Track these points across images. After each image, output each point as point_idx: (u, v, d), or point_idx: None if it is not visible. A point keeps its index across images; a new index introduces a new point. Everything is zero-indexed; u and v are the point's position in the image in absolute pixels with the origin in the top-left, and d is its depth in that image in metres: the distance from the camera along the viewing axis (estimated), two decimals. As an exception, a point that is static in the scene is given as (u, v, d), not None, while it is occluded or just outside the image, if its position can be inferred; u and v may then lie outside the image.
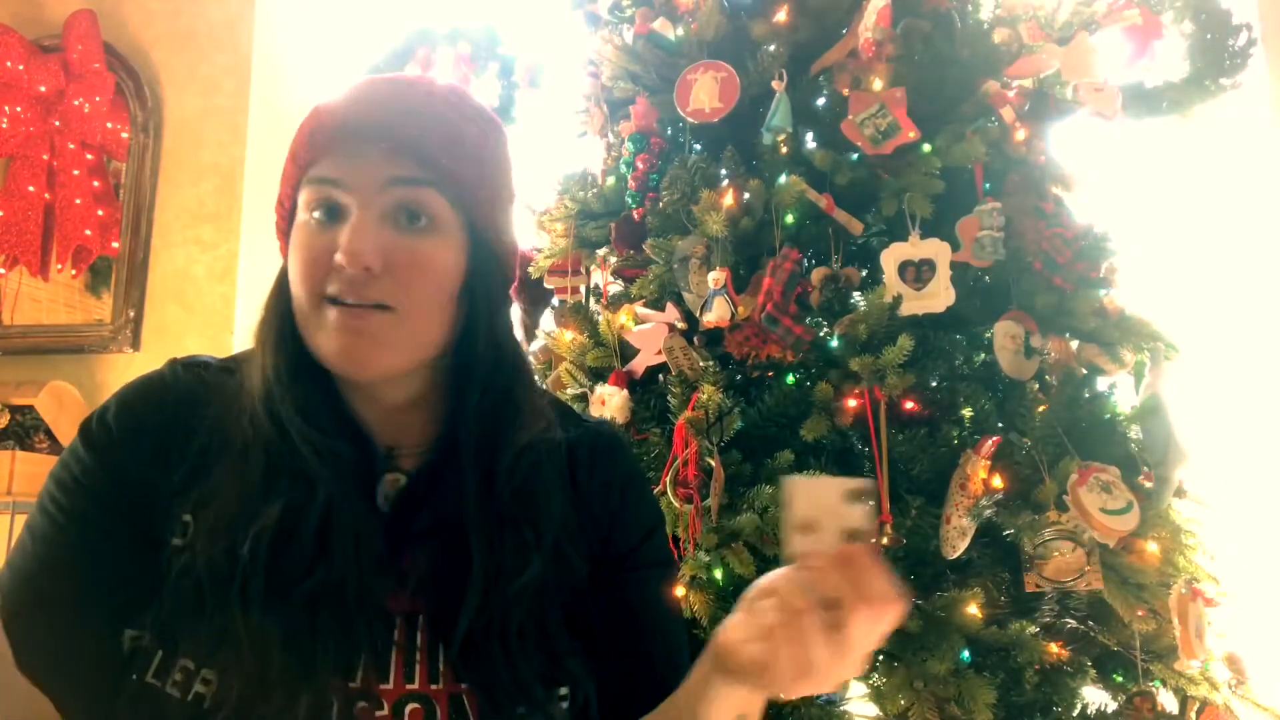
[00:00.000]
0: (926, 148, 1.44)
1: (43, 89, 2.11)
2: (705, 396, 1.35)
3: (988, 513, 1.28)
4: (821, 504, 0.57)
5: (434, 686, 0.65)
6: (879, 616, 0.55)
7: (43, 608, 0.64)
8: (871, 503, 0.58)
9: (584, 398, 1.56)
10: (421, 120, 0.66)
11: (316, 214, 0.65)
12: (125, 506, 0.66)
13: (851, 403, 1.34)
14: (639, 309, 1.53)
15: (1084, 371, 1.46)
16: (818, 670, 0.55)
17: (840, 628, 0.55)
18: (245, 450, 0.67)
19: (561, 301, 1.84)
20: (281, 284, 0.70)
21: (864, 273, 1.53)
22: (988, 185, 1.50)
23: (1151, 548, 1.28)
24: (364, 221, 0.63)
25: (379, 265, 0.63)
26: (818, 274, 1.46)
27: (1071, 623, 1.38)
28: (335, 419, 0.69)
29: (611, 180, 1.75)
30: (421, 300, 0.66)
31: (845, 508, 0.57)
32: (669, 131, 1.67)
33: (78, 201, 2.10)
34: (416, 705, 0.65)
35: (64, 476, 0.67)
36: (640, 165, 1.62)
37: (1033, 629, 1.33)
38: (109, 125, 2.14)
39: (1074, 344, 1.44)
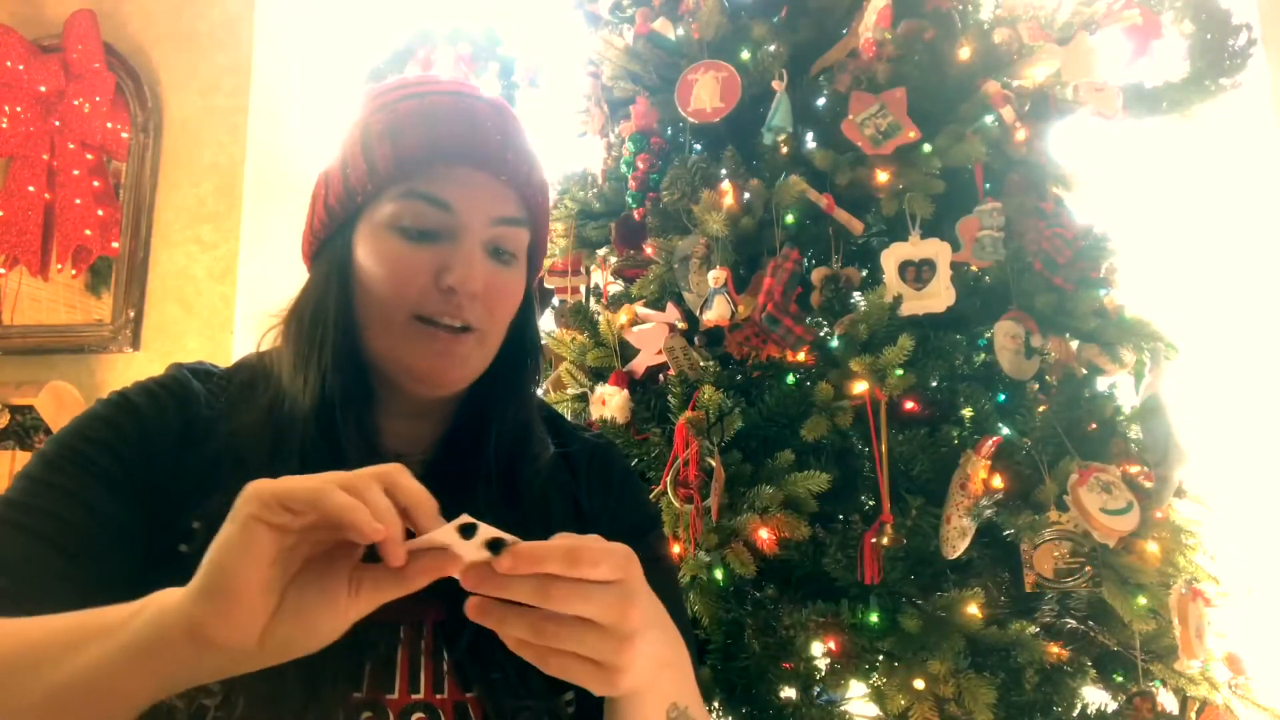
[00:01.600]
0: (927, 148, 1.44)
1: (43, 89, 2.11)
2: (705, 396, 1.35)
3: (988, 513, 1.28)
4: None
5: (439, 695, 0.65)
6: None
7: (20, 538, 0.59)
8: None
9: (584, 398, 1.56)
10: (528, 156, 0.71)
11: (411, 227, 0.66)
12: (140, 478, 0.64)
13: (850, 402, 1.34)
14: (639, 309, 1.53)
15: (1084, 371, 1.46)
16: (610, 660, 0.50)
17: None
18: (273, 459, 0.65)
19: (561, 301, 1.84)
20: (338, 286, 0.69)
21: (864, 273, 1.53)
22: (988, 185, 1.50)
23: (1151, 548, 1.28)
24: (473, 251, 0.67)
25: (483, 292, 0.67)
26: (818, 274, 1.46)
27: (1071, 623, 1.38)
28: (374, 432, 0.71)
29: (611, 180, 1.75)
30: (501, 324, 0.71)
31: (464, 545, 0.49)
32: (669, 131, 1.67)
33: (78, 201, 2.10)
34: (422, 715, 0.64)
35: (85, 428, 0.65)
36: (640, 165, 1.62)
37: (1033, 629, 1.33)
38: (109, 125, 2.13)
39: (1074, 344, 1.45)
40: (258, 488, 0.45)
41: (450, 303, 0.66)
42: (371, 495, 0.46)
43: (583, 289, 1.82)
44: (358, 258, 0.69)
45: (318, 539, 0.47)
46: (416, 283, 0.66)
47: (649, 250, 1.58)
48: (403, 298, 0.66)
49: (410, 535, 0.49)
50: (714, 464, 1.31)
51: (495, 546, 0.48)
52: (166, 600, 0.47)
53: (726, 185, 1.53)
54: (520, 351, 0.76)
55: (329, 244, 0.72)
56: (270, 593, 0.45)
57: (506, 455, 0.73)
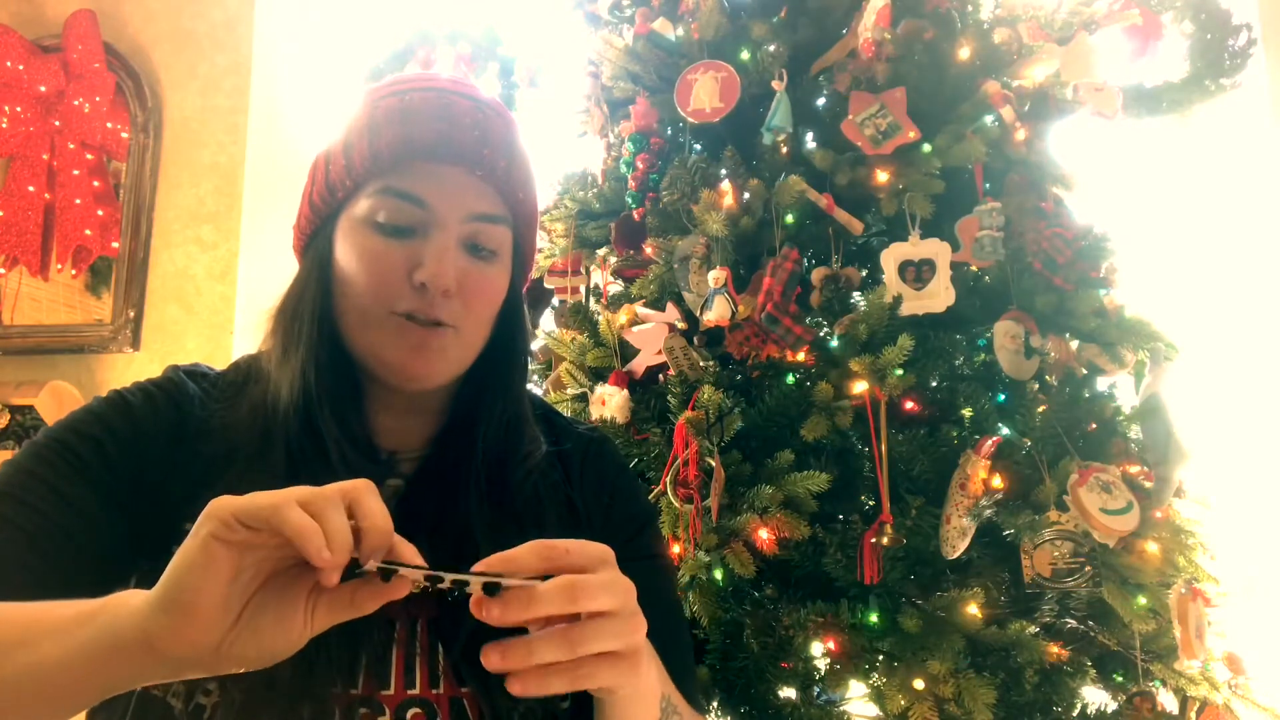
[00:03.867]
0: (926, 148, 1.44)
1: (43, 89, 2.11)
2: (705, 396, 1.35)
3: (988, 513, 1.28)
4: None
5: (435, 691, 0.65)
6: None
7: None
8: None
9: (584, 398, 1.55)
10: (507, 152, 0.70)
11: (385, 223, 0.66)
12: (127, 478, 0.64)
13: (851, 402, 1.34)
14: (639, 309, 1.53)
15: (1084, 371, 1.46)
16: (631, 642, 0.51)
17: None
18: (262, 454, 0.66)
19: (561, 301, 1.84)
20: (317, 282, 0.69)
21: (864, 273, 1.53)
22: (988, 185, 1.50)
23: (1151, 548, 1.28)
24: (446, 247, 0.66)
25: (456, 289, 0.66)
26: (818, 274, 1.46)
27: (1071, 623, 1.38)
28: (360, 427, 0.70)
29: (611, 180, 1.75)
30: (479, 321, 0.70)
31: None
32: (669, 131, 1.67)
33: (78, 201, 2.09)
34: (418, 710, 0.64)
35: (78, 422, 0.65)
36: (640, 165, 1.62)
37: (1033, 629, 1.33)
38: (109, 125, 2.13)
39: (1074, 344, 1.44)
40: (218, 505, 0.45)
41: (424, 299, 0.66)
42: (330, 516, 0.45)
43: (583, 289, 1.82)
44: (337, 254, 0.69)
45: (284, 554, 0.47)
46: (391, 279, 0.66)
47: (649, 250, 1.58)
48: (379, 294, 0.66)
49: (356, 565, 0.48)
50: (714, 464, 1.31)
51: (458, 588, 0.48)
52: (124, 607, 0.47)
53: (726, 185, 1.53)
54: (508, 350, 0.75)
55: (313, 239, 0.72)
56: (227, 610, 0.45)
57: (496, 453, 0.73)
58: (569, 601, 0.48)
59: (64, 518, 0.61)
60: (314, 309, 0.68)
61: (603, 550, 0.52)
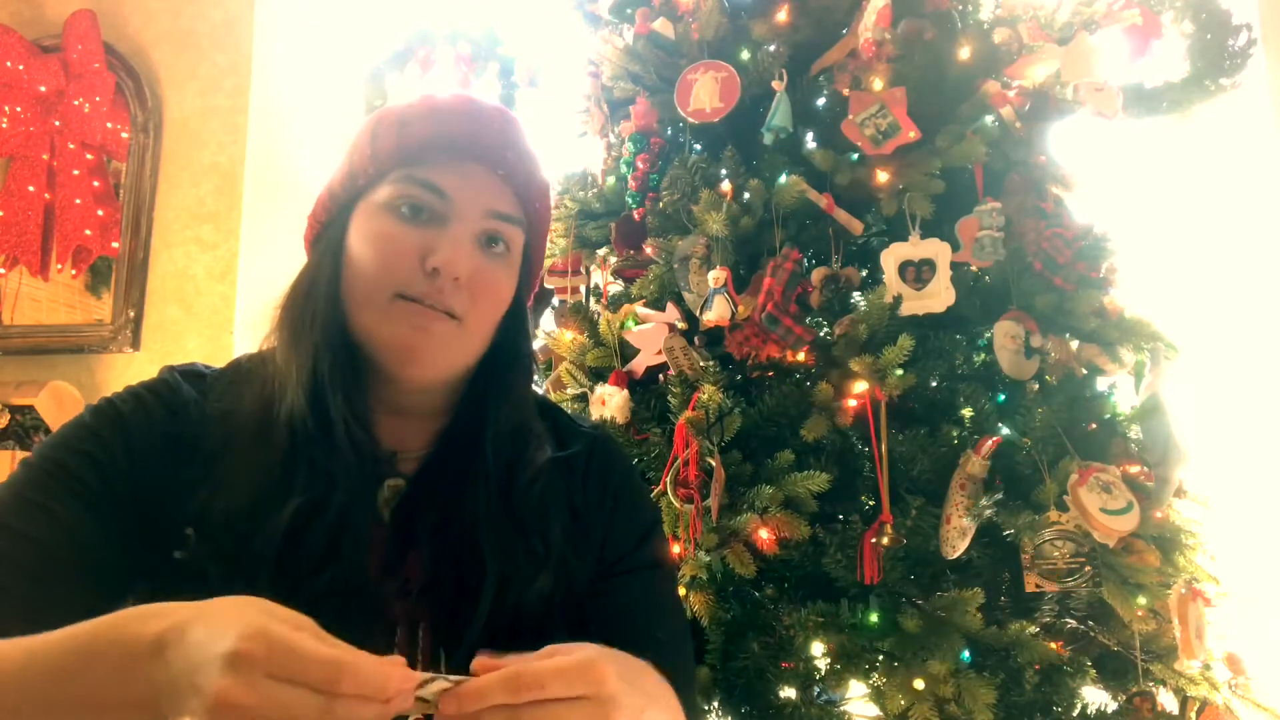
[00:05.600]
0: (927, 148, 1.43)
1: (43, 89, 2.10)
2: (705, 396, 1.35)
3: (988, 513, 1.28)
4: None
5: None
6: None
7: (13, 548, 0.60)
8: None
9: (584, 398, 1.56)
10: (529, 160, 0.73)
11: (404, 209, 0.68)
12: (123, 492, 0.64)
13: (851, 403, 1.34)
14: (639, 309, 1.53)
15: (1084, 371, 1.46)
16: None
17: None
18: (263, 433, 0.66)
19: (561, 301, 1.84)
20: (330, 266, 0.70)
21: (864, 273, 1.53)
22: (988, 185, 1.50)
23: (1152, 548, 1.28)
24: (462, 237, 0.68)
25: (466, 280, 0.67)
26: (818, 274, 1.46)
27: (1071, 623, 1.38)
28: (366, 418, 0.70)
29: (611, 180, 1.75)
30: (484, 317, 0.71)
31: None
32: (669, 131, 1.67)
33: (78, 201, 2.09)
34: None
35: (70, 438, 0.65)
36: (640, 165, 1.62)
37: (1033, 629, 1.33)
38: (109, 125, 2.13)
39: (1074, 344, 1.44)
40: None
41: (434, 285, 0.66)
42: None
43: (583, 289, 1.82)
44: (350, 239, 0.70)
45: None
46: (403, 262, 0.66)
47: (649, 250, 1.58)
48: (388, 275, 0.67)
49: None
50: (714, 464, 1.31)
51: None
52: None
53: (726, 185, 1.53)
54: (512, 354, 0.75)
55: (328, 227, 0.73)
56: None
57: (505, 460, 0.73)
58: (513, 693, 0.47)
59: (59, 544, 0.61)
60: (328, 291, 0.69)
61: (588, 672, 0.49)
